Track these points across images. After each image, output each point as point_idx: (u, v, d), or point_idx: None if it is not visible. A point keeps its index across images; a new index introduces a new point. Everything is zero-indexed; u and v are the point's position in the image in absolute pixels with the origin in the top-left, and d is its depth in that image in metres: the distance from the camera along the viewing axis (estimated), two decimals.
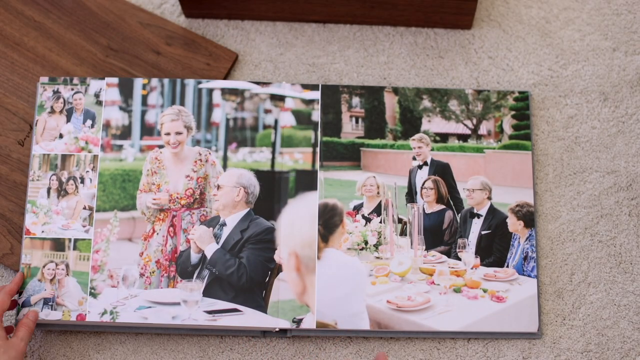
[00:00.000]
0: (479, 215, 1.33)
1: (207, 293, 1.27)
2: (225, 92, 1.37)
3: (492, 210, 1.33)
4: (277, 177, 1.33)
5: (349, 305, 1.25)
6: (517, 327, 1.27)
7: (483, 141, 1.37)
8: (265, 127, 1.36)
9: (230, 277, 1.27)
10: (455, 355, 1.28)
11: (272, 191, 1.32)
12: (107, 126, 1.35)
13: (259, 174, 1.32)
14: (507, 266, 1.31)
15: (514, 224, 1.32)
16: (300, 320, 1.26)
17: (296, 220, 1.29)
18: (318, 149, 1.35)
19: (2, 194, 1.34)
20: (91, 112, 1.35)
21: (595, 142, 1.38)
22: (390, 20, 1.44)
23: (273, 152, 1.34)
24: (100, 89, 1.36)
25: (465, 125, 1.38)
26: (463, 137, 1.37)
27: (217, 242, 1.30)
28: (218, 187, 1.32)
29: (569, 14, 1.45)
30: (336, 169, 1.35)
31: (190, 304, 1.26)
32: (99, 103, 1.36)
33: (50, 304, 1.26)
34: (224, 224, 1.31)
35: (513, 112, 1.38)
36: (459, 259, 1.31)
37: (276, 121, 1.36)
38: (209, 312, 1.26)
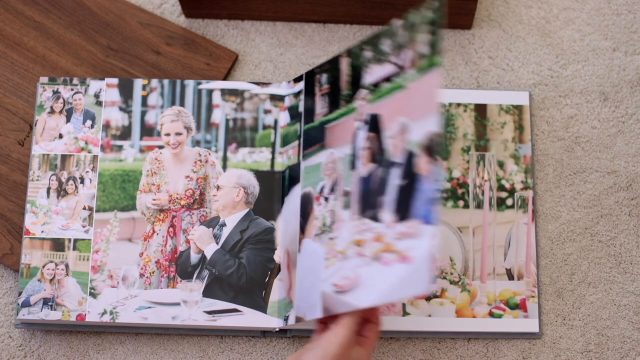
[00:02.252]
0: (398, 165, 1.07)
1: (207, 293, 1.27)
2: (225, 92, 1.37)
3: (410, 156, 1.05)
4: (277, 177, 1.33)
5: (310, 296, 1.15)
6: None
7: (406, 72, 1.09)
8: (265, 127, 1.36)
9: (230, 278, 1.27)
10: (455, 355, 1.28)
11: (272, 191, 1.32)
12: (107, 126, 1.35)
13: (259, 174, 1.32)
14: (414, 217, 1.03)
15: (425, 163, 1.02)
16: (287, 317, 1.24)
17: (288, 217, 1.28)
18: (301, 140, 1.29)
19: (2, 194, 1.34)
20: (91, 113, 1.35)
21: (595, 142, 1.38)
22: (390, 20, 1.44)
23: (273, 152, 1.34)
24: (100, 89, 1.36)
25: (394, 63, 1.11)
26: (390, 79, 1.13)
27: (217, 243, 1.30)
28: (218, 187, 1.32)
29: (569, 14, 1.45)
30: (311, 155, 1.26)
31: (190, 304, 1.26)
32: (99, 103, 1.36)
33: (50, 304, 1.26)
34: (223, 225, 1.31)
35: None
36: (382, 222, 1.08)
37: (276, 121, 1.36)
38: (209, 312, 1.26)
